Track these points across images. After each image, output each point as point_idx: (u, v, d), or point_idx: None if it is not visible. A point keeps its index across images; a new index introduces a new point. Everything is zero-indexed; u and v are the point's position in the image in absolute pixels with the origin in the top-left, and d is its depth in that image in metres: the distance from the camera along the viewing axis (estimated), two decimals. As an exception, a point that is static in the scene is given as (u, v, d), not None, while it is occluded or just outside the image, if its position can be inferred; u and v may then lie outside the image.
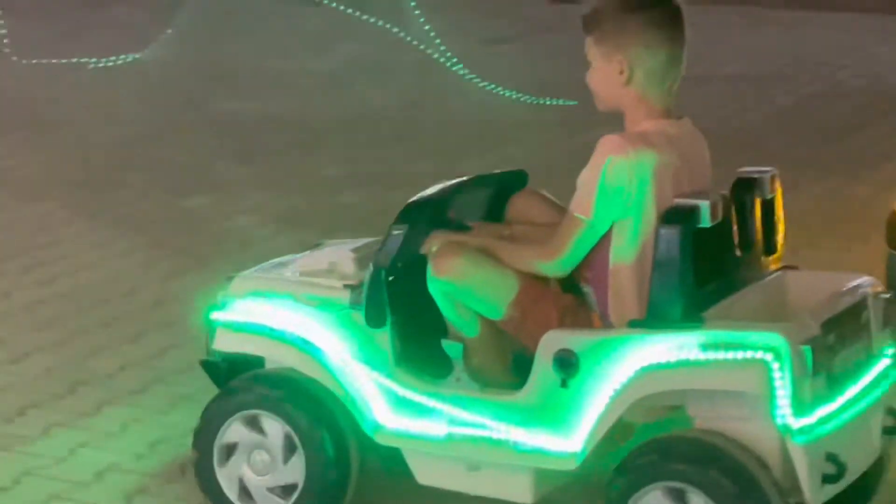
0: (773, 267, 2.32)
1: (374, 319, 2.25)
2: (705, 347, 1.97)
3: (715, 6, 8.27)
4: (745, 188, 2.25)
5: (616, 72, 2.09)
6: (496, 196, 2.46)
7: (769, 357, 1.92)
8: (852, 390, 2.08)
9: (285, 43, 7.86)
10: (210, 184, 5.32)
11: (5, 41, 7.60)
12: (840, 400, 2.04)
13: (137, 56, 7.54)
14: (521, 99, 6.66)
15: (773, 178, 2.29)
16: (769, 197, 2.29)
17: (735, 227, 2.20)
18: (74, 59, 7.50)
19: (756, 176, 2.27)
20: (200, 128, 6.27)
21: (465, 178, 2.47)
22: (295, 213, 4.88)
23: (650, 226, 2.06)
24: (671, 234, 2.02)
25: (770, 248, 2.32)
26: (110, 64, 7.46)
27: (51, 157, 5.80)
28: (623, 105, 2.15)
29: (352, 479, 2.36)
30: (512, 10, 9.04)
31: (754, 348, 1.94)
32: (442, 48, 7.25)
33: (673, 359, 1.98)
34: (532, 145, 5.76)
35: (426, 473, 2.31)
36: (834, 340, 2.04)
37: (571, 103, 6.06)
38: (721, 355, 1.96)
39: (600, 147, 2.08)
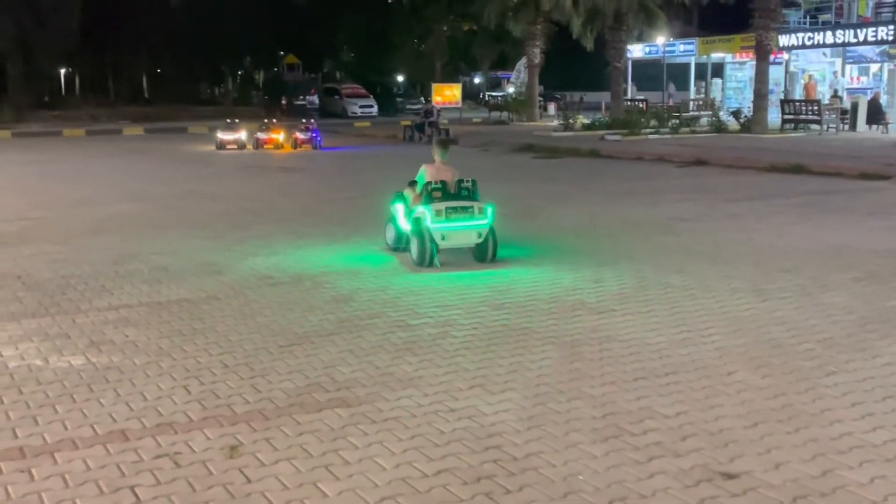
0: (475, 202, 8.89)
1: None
2: (429, 211, 8.76)
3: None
4: (461, 182, 9.04)
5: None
6: None
7: (426, 211, 8.71)
8: (456, 224, 8.75)
9: None
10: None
11: None
12: (448, 224, 8.72)
13: None
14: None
15: (473, 182, 9.04)
16: (468, 185, 9.01)
17: (455, 188, 9.00)
18: None
19: (464, 178, 9.10)
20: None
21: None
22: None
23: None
24: (429, 186, 8.92)
25: (474, 196, 8.94)
26: None
27: None
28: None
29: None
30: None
31: (427, 208, 8.73)
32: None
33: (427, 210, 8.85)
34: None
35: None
36: (451, 210, 8.72)
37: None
38: (422, 211, 8.86)
39: (423, 165, 9.41)
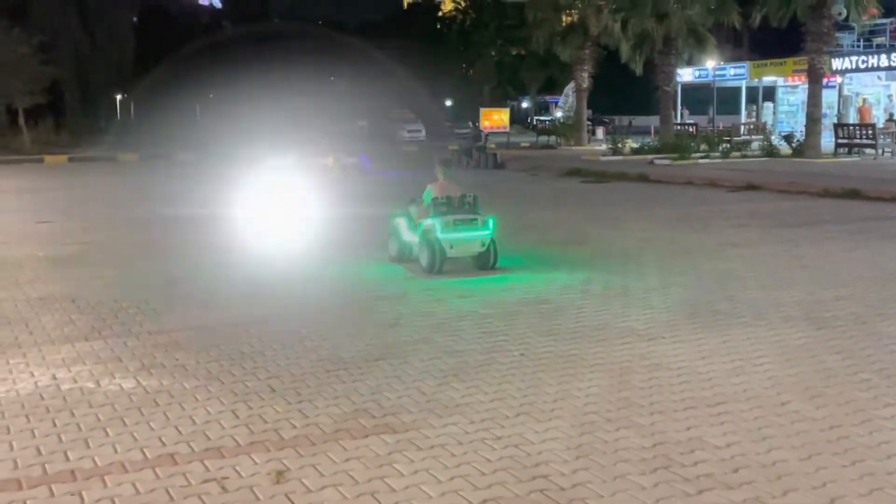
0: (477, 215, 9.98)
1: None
2: (438, 223, 9.76)
3: None
4: (464, 197, 10.05)
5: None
6: None
7: (436, 222, 9.69)
8: (463, 234, 9.74)
9: None
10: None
11: None
12: (455, 234, 9.70)
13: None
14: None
15: (474, 197, 10.14)
16: (470, 200, 10.09)
17: (459, 202, 10.07)
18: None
19: (467, 194, 10.17)
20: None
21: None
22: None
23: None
24: (436, 201, 10.03)
25: (476, 210, 10.02)
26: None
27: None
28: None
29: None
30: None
31: (436, 220, 9.73)
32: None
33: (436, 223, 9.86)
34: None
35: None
36: (458, 222, 9.75)
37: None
38: (431, 223, 9.82)
39: (429, 184, 10.47)
